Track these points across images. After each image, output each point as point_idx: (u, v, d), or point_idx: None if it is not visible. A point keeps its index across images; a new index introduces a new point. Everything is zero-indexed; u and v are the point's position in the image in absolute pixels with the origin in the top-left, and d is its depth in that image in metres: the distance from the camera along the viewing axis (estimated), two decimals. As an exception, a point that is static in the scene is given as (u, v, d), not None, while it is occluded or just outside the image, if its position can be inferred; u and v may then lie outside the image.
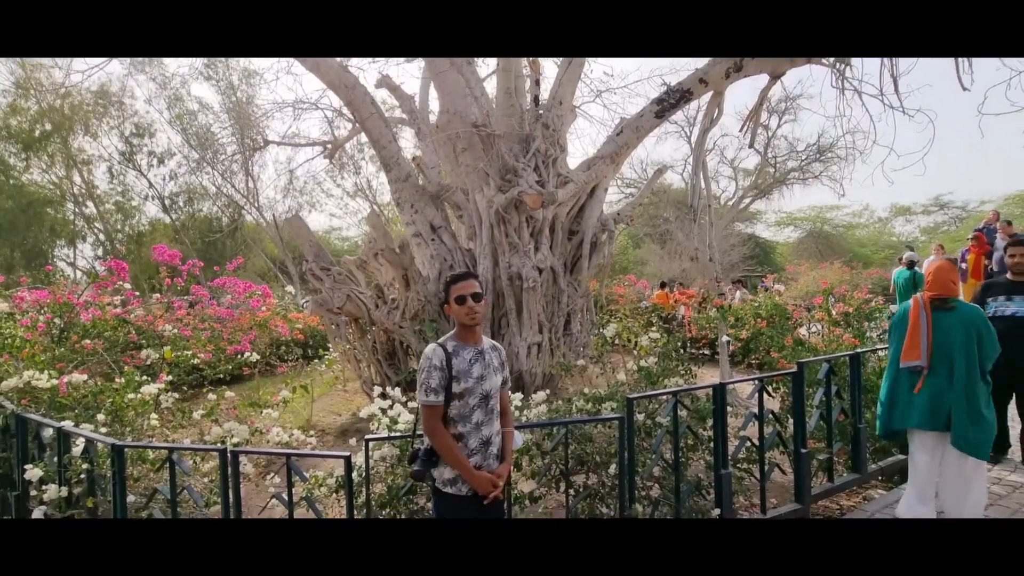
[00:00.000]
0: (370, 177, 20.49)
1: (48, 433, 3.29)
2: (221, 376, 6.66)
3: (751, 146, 7.98)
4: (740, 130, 9.19)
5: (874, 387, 4.34)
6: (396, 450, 2.92)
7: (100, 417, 3.55)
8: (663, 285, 13.69)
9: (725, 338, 6.45)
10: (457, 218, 7.41)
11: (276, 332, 9.39)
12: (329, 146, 11.43)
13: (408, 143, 12.98)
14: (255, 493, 4.11)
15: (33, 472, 3.16)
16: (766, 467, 3.38)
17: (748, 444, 3.43)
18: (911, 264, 9.41)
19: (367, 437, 2.73)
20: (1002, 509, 3.38)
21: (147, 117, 20.79)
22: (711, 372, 7.07)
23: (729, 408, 3.28)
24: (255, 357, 6.59)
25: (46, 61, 19.11)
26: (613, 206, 14.69)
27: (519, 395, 3.44)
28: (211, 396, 4.45)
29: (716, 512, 3.10)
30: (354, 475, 2.69)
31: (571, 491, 2.88)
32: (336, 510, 3.23)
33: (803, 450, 3.45)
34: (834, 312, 6.62)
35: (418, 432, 2.24)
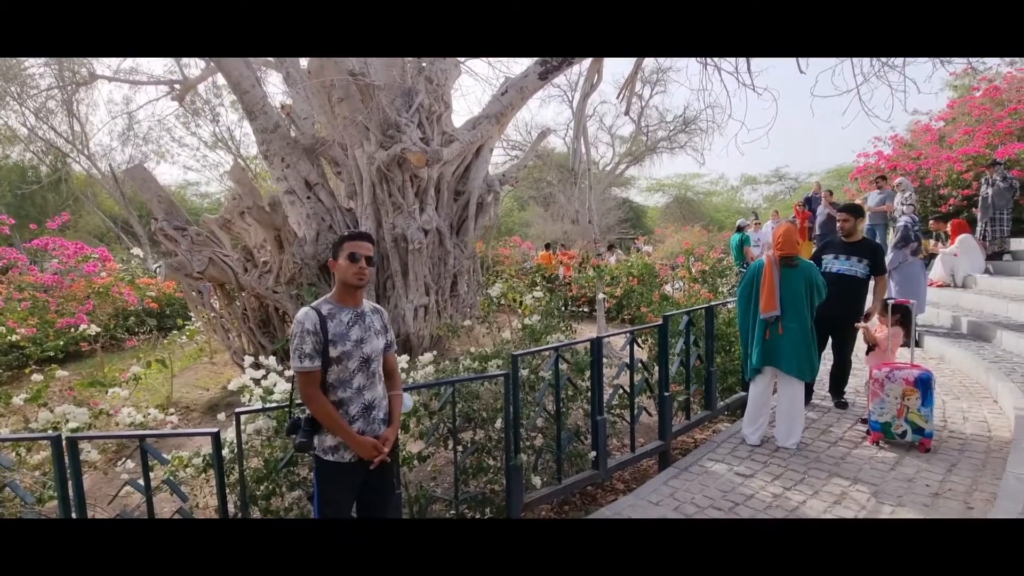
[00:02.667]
0: (231, 126, 18.32)
1: None
2: (51, 354, 5.69)
3: (626, 113, 8.41)
4: (617, 97, 9.62)
5: (724, 335, 4.99)
6: (272, 422, 2.74)
7: None
8: (547, 247, 14.21)
9: (601, 296, 6.91)
10: (335, 174, 6.92)
11: (122, 301, 8.21)
12: (177, 87, 9.91)
13: (277, 89, 11.70)
14: (105, 482, 3.64)
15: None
16: (636, 411, 3.74)
17: (621, 391, 3.76)
18: (740, 228, 11.07)
19: (237, 410, 2.52)
20: (814, 431, 4.12)
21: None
22: (589, 328, 7.57)
23: (604, 360, 3.54)
24: (94, 330, 5.70)
25: None
26: (498, 168, 14.74)
27: (406, 357, 3.39)
28: (36, 378, 3.78)
29: (593, 455, 3.38)
30: (225, 452, 2.48)
31: (459, 448, 2.95)
32: (206, 491, 2.98)
33: (666, 393, 3.87)
34: (694, 270, 7.38)
35: (296, 401, 2.11)
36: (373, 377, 2.09)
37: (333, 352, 1.96)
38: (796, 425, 3.86)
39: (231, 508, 2.44)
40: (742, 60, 7.06)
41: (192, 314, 7.51)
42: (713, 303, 4.76)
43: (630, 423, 3.72)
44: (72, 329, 5.82)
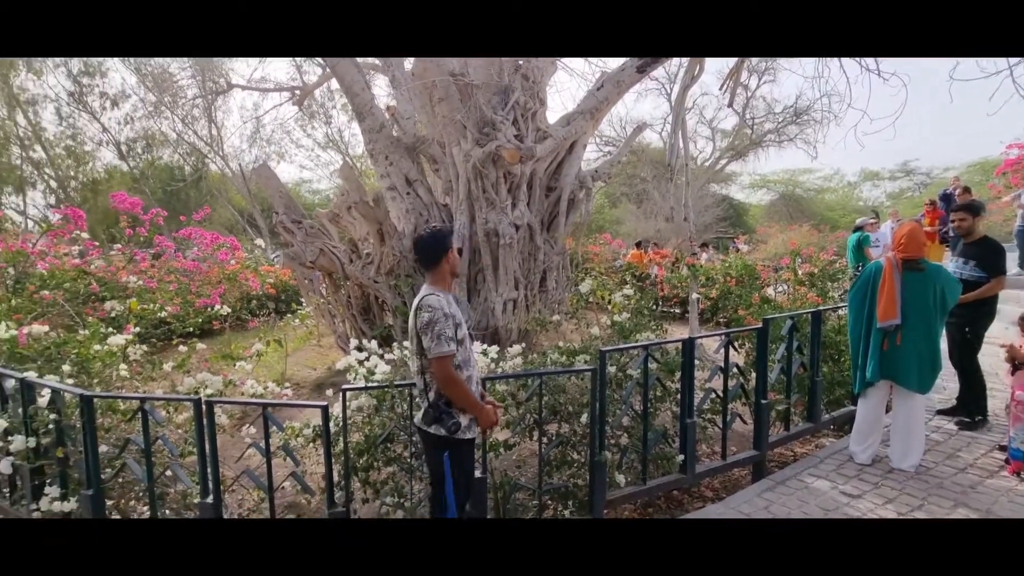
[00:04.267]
0: (342, 127, 19.79)
1: (10, 384, 3.20)
2: (190, 330, 6.53)
3: (730, 106, 7.95)
4: (720, 88, 9.11)
5: (833, 343, 4.57)
6: (373, 400, 2.95)
7: (65, 368, 3.46)
8: (638, 245, 13.84)
9: (695, 295, 6.62)
10: (433, 171, 7.25)
11: (246, 286, 9.20)
12: (298, 92, 10.90)
13: (382, 92, 12.48)
14: (231, 444, 4.12)
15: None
16: (728, 417, 3.55)
17: (713, 395, 3.59)
18: (858, 228, 9.86)
19: (344, 387, 2.75)
20: (937, 454, 3.66)
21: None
22: (681, 329, 7.28)
23: (697, 362, 3.40)
24: (226, 311, 6.46)
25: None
26: (591, 164, 14.58)
27: (495, 348, 3.49)
28: (181, 349, 4.38)
29: (680, 458, 3.27)
30: (331, 425, 2.72)
31: (544, 439, 2.99)
32: (313, 458, 3.28)
33: (764, 401, 3.64)
34: (800, 272, 6.82)
35: (404, 382, 2.30)
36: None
37: (460, 334, 2.12)
38: (915, 445, 3.45)
39: (335, 476, 2.68)
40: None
41: (303, 300, 8.25)
42: (821, 308, 4.38)
43: (722, 429, 3.54)
44: (208, 309, 6.64)
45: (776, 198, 29.84)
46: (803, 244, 12.38)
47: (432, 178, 7.27)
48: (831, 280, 6.76)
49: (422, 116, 6.87)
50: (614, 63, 6.97)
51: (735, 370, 3.67)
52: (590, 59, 8.38)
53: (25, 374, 3.10)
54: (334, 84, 11.86)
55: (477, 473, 2.55)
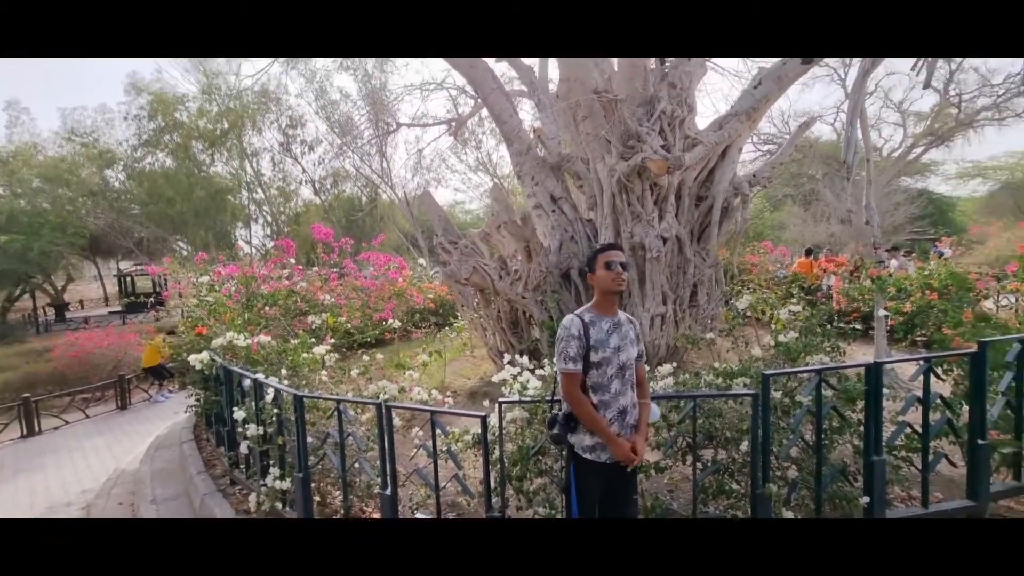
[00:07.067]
0: (491, 151, 21.09)
1: (247, 383, 4.04)
2: (369, 340, 7.51)
3: (927, 86, 6.76)
4: (912, 68, 7.81)
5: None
6: (526, 413, 3.11)
7: (282, 372, 4.25)
8: (808, 252, 12.37)
9: (883, 312, 5.70)
10: (578, 188, 7.38)
11: (412, 301, 10.27)
12: (453, 124, 11.96)
13: (528, 115, 13.08)
14: (400, 444, 4.64)
15: (238, 414, 3.93)
16: (931, 457, 3.01)
17: (908, 431, 3.07)
18: None
19: (500, 400, 2.94)
20: None
21: (299, 110, 23.47)
22: (863, 349, 6.33)
23: (886, 390, 2.95)
24: (396, 324, 7.30)
25: (223, 68, 22.39)
26: (748, 166, 13.45)
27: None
28: (364, 358, 5.07)
29: (865, 500, 2.86)
30: (488, 434, 2.93)
31: (698, 464, 2.85)
32: (471, 463, 3.55)
33: (981, 441, 3.00)
34: (1034, 282, 5.48)
35: (555, 398, 2.37)
36: (627, 384, 2.20)
37: (594, 357, 2.13)
38: None
39: (492, 483, 2.87)
40: None
41: (459, 314, 8.95)
42: (1069, 328, 3.48)
43: (921, 471, 3.01)
44: (383, 323, 7.57)
45: (997, 188, 24.25)
46: (1038, 245, 9.88)
47: (576, 194, 7.40)
48: (1084, 291, 5.31)
49: (566, 135, 7.06)
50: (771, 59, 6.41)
51: (939, 402, 3.10)
52: (745, 58, 7.83)
53: (256, 376, 3.89)
54: (484, 113, 12.76)
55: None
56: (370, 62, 19.56)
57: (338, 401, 3.31)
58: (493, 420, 2.99)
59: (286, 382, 4.14)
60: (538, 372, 3.39)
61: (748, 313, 5.01)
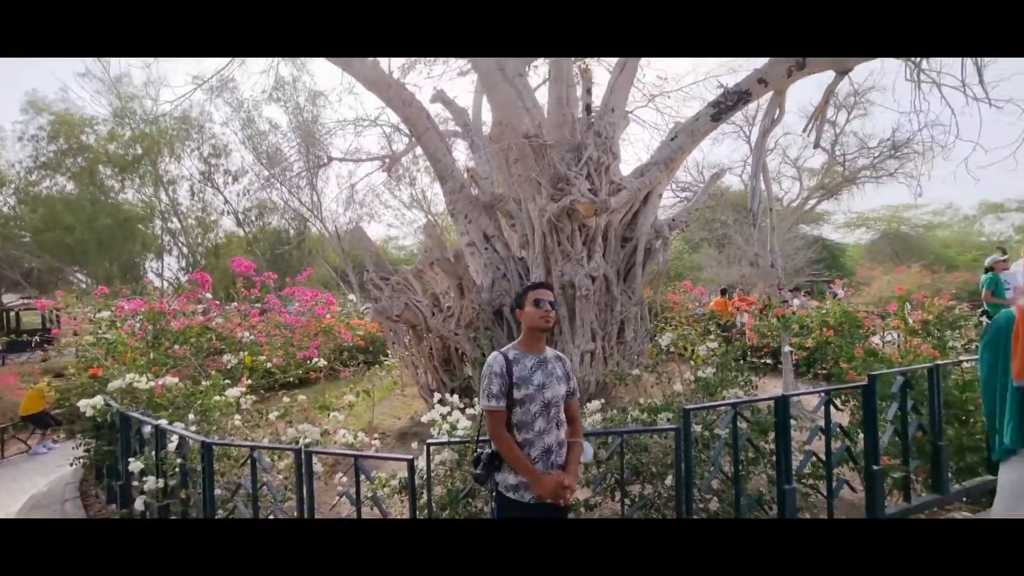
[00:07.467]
0: (425, 188, 21.15)
1: (147, 430, 3.66)
2: (291, 380, 7.09)
3: (816, 146, 7.62)
4: (804, 130, 8.80)
5: (957, 402, 4.06)
6: (455, 455, 3.04)
7: (190, 416, 3.90)
8: (723, 292, 13.27)
9: (788, 348, 6.19)
10: (510, 227, 7.54)
11: (340, 338, 9.86)
12: (387, 160, 11.94)
13: (462, 155, 13.33)
14: (322, 491, 4.36)
15: (135, 465, 3.54)
16: (834, 483, 3.24)
17: (814, 459, 3.30)
18: (989, 269, 8.52)
19: (428, 442, 2.86)
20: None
21: (223, 139, 22.50)
22: (773, 383, 6.79)
23: (793, 421, 3.17)
24: (322, 363, 6.97)
25: (139, 92, 21.15)
26: (668, 211, 14.37)
27: (574, 403, 3.48)
28: (285, 399, 4.77)
29: (779, 528, 3.01)
30: (416, 478, 2.82)
31: (626, 500, 2.89)
32: (399, 509, 3.38)
33: (875, 467, 3.28)
34: (911, 320, 6.19)
35: (481, 437, 2.32)
36: (553, 422, 2.18)
37: (517, 394, 2.12)
38: None
39: (420, 529, 2.75)
40: (971, 69, 5.99)
41: (390, 351, 8.70)
42: (940, 362, 3.94)
43: (827, 497, 3.23)
44: (308, 361, 7.20)
45: (877, 237, 27.48)
46: (913, 287, 11.23)
47: (509, 233, 7.55)
48: (951, 328, 6.06)
49: (499, 176, 7.26)
50: (688, 111, 7.01)
51: (839, 431, 3.37)
52: (662, 110, 8.40)
53: (159, 422, 3.54)
54: (419, 150, 12.89)
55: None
56: (302, 96, 19.27)
57: (252, 448, 3.07)
58: (421, 463, 2.90)
59: (194, 428, 3.80)
60: (468, 411, 3.34)
61: (671, 349, 5.27)
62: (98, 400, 4.20)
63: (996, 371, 3.15)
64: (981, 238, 26.36)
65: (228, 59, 8.91)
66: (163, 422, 3.56)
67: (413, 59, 11.06)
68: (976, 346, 3.46)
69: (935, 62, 6.39)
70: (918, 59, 6.11)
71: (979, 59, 5.63)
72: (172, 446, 3.45)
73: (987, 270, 8.69)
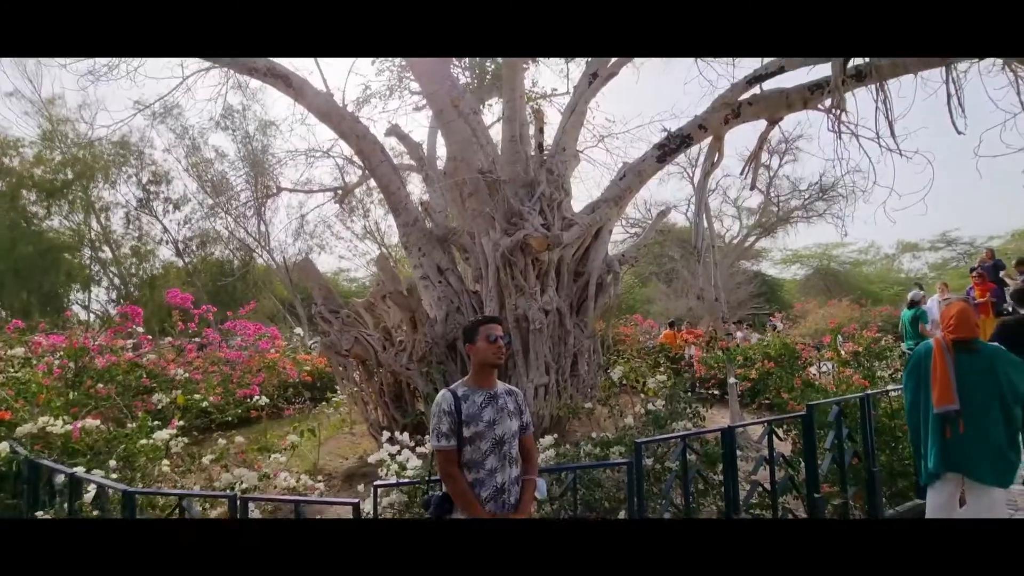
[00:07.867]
0: (379, 220, 20.93)
1: (60, 479, 3.31)
2: (230, 419, 6.66)
3: (752, 188, 8.15)
4: (741, 173, 9.40)
5: (887, 429, 4.30)
6: (404, 496, 2.92)
7: (111, 463, 3.57)
8: (671, 324, 13.68)
9: (733, 380, 6.41)
10: (464, 260, 7.55)
11: (284, 374, 9.41)
12: (340, 192, 11.79)
13: (416, 188, 13.36)
14: (261, 541, 4.07)
15: (43, 519, 3.17)
16: (779, 512, 3.32)
17: (760, 489, 3.38)
18: (913, 304, 9.23)
19: (376, 484, 2.73)
20: None
21: (165, 165, 21.53)
22: (720, 413, 6.99)
23: (739, 452, 3.26)
24: (264, 401, 6.60)
25: (72, 115, 20.09)
26: (618, 246, 14.85)
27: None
28: (220, 441, 4.46)
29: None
30: (362, 522, 2.68)
31: (581, 538, 2.85)
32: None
33: (816, 495, 3.40)
34: (843, 352, 6.58)
35: (432, 477, 2.24)
36: (505, 460, 2.11)
37: (467, 432, 2.05)
38: None
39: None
40: (884, 124, 6.60)
41: (338, 387, 8.36)
42: (870, 392, 4.18)
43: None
44: (248, 399, 6.80)
45: (811, 273, 29.37)
46: (844, 320, 11.99)
47: (463, 266, 7.55)
48: (878, 359, 6.47)
49: (453, 210, 7.30)
50: (635, 152, 7.35)
51: (782, 460, 3.48)
52: (612, 150, 8.76)
53: (74, 470, 3.21)
54: (373, 183, 12.83)
55: None
56: (252, 124, 18.88)
57: (181, 496, 2.83)
58: (367, 507, 2.76)
59: (115, 476, 3.47)
60: (419, 449, 3.23)
61: (623, 382, 5.34)
62: (3, 447, 3.78)
63: (919, 399, 3.38)
64: (900, 274, 28.63)
65: (173, 85, 8.67)
66: (79, 470, 3.23)
67: (367, 93, 11.12)
68: (901, 376, 3.71)
69: (854, 114, 7.03)
70: (838, 112, 6.70)
71: (890, 111, 6.23)
72: (89, 496, 3.14)
73: (911, 304, 9.35)
